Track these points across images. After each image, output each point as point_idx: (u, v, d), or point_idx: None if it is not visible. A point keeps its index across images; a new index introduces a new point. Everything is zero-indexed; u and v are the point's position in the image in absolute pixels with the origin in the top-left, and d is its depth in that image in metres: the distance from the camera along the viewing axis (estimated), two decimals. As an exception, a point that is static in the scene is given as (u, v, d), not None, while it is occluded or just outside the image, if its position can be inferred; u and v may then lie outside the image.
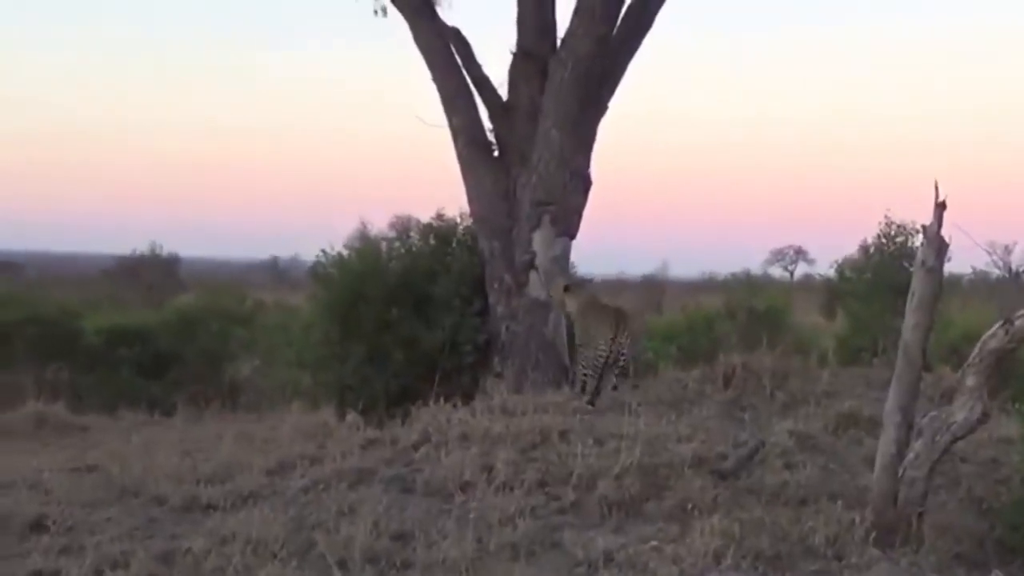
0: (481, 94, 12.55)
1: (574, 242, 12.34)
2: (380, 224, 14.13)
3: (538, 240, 12.04)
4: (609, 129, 12.58)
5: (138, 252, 41.67)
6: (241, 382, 22.55)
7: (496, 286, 12.14)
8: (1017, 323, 6.59)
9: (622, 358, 10.33)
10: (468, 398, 10.80)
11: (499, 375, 11.97)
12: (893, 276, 16.97)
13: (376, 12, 12.95)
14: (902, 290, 7.69)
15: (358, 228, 13.82)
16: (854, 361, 14.15)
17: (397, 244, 13.09)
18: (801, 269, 65.31)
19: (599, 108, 12.33)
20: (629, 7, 12.26)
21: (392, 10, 12.82)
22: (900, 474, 6.74)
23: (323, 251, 13.17)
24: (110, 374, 21.20)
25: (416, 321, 12.18)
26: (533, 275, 12.00)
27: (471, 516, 7.07)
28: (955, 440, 6.81)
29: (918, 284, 6.90)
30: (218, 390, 21.02)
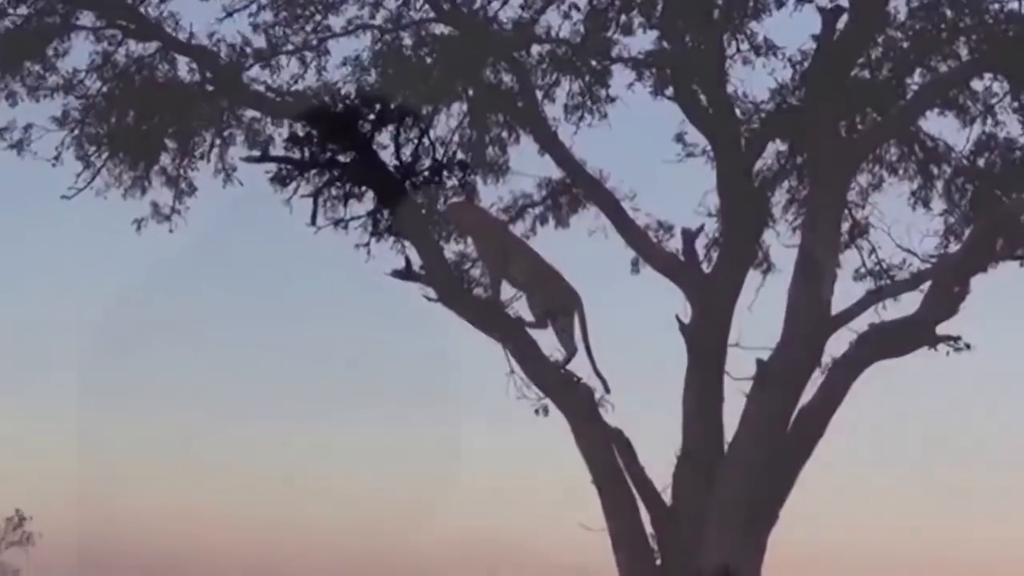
0: (643, 498, 12.09)
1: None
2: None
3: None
4: (779, 536, 11.92)
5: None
6: None
7: None
8: None
9: None
10: None
11: None
12: None
13: (537, 411, 12.79)
14: None
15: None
16: None
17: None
18: None
19: (769, 517, 11.75)
20: (800, 413, 11.91)
21: (552, 408, 12.72)
22: None
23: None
24: None
25: None
26: None
27: None
28: None
29: None
30: None
